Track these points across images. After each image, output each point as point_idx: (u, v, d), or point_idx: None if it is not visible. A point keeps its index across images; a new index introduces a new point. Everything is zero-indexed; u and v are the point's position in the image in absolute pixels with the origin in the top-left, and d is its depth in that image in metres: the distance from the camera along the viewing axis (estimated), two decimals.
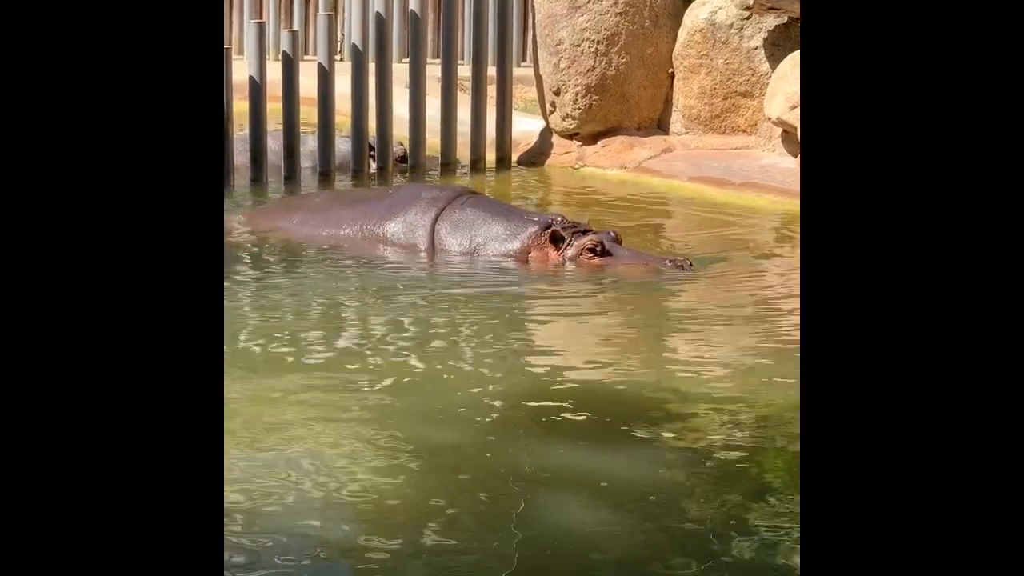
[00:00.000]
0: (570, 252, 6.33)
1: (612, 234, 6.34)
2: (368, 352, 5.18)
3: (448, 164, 10.90)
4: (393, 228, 6.88)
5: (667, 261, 6.30)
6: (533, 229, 6.40)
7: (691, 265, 6.28)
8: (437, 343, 5.40)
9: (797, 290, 6.72)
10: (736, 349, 5.37)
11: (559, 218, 6.41)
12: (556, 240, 6.30)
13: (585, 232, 6.33)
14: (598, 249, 6.37)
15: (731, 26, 10.68)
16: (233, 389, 4.31)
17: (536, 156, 11.23)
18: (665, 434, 4.30)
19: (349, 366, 5.02)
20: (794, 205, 9.37)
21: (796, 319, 5.97)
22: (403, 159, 10.79)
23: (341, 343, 5.38)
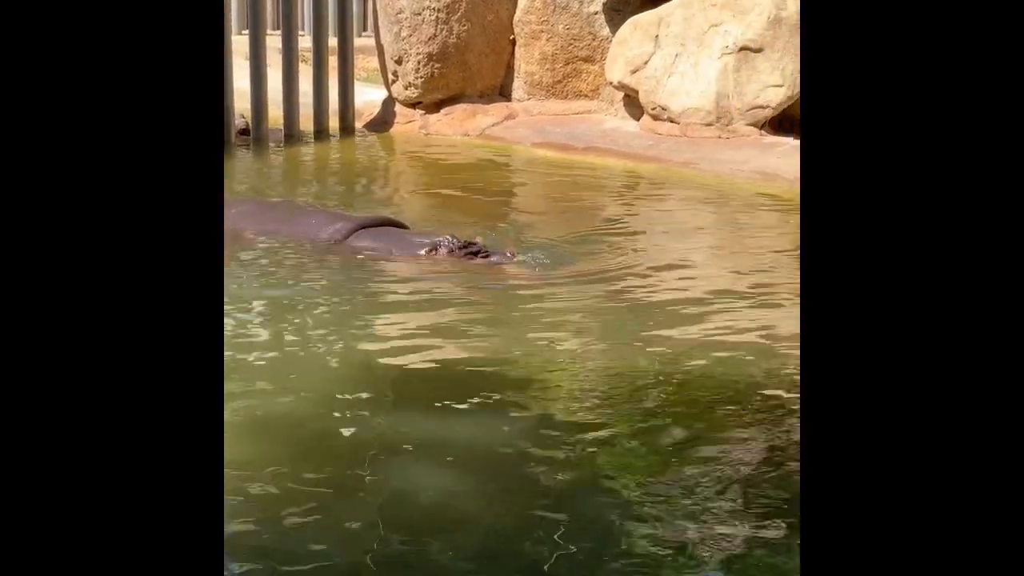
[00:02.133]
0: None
1: (509, 254, 6.27)
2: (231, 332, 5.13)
3: (291, 136, 10.81)
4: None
5: (506, 254, 6.26)
6: (421, 252, 6.30)
7: (514, 255, 6.23)
8: (296, 320, 5.38)
9: (638, 254, 6.82)
10: (589, 314, 5.42)
11: (449, 238, 6.34)
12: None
13: (477, 252, 6.26)
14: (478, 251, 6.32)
15: None
16: None
17: (380, 126, 11.19)
18: (518, 404, 4.34)
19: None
20: (636, 166, 9.50)
21: (642, 280, 6.06)
22: (245, 131, 10.68)
23: None
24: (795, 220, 7.88)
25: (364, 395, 4.40)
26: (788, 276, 6.33)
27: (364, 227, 6.62)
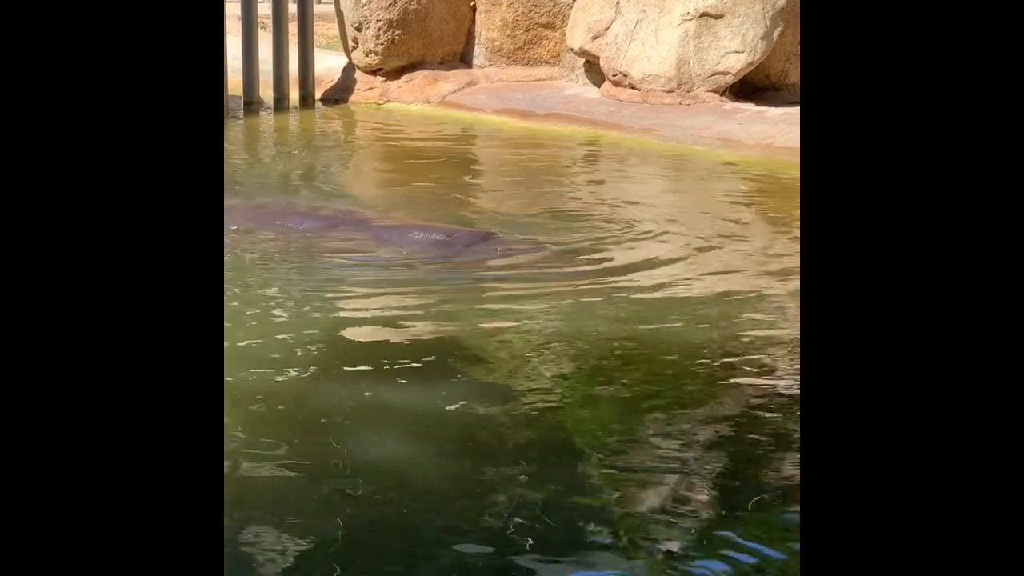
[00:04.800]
0: None
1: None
2: None
3: (251, 103, 10.74)
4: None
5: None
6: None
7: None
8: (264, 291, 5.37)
9: (595, 234, 6.83)
10: (552, 285, 5.43)
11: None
12: None
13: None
14: None
15: None
16: None
17: (340, 93, 11.14)
18: (481, 374, 4.35)
19: None
20: (597, 132, 9.49)
21: (604, 249, 6.07)
22: None
23: None
24: (754, 185, 7.91)
25: (326, 365, 4.40)
26: (749, 242, 6.36)
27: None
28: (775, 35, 9.55)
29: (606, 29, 10.04)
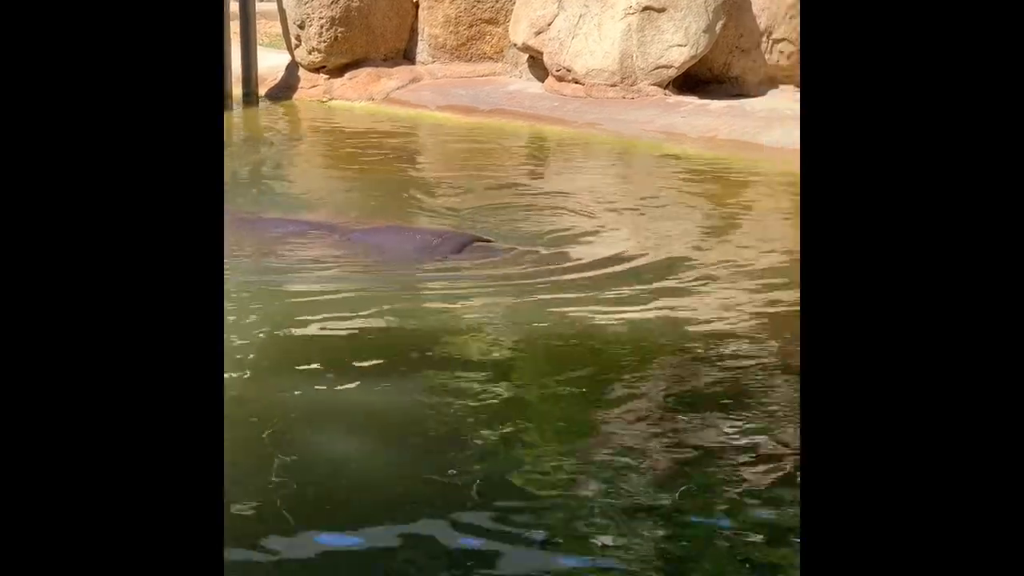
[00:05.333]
0: None
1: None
2: None
3: None
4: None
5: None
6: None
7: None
8: None
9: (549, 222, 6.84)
10: (504, 282, 5.43)
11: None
12: None
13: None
14: None
15: None
16: None
17: (283, 91, 11.11)
18: (432, 371, 4.35)
19: None
20: (541, 127, 9.50)
21: (554, 245, 6.08)
22: None
23: None
24: (698, 177, 7.95)
25: (276, 361, 4.39)
26: (693, 235, 6.39)
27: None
28: (717, 28, 9.60)
29: (549, 24, 10.07)
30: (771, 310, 5.10)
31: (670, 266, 5.71)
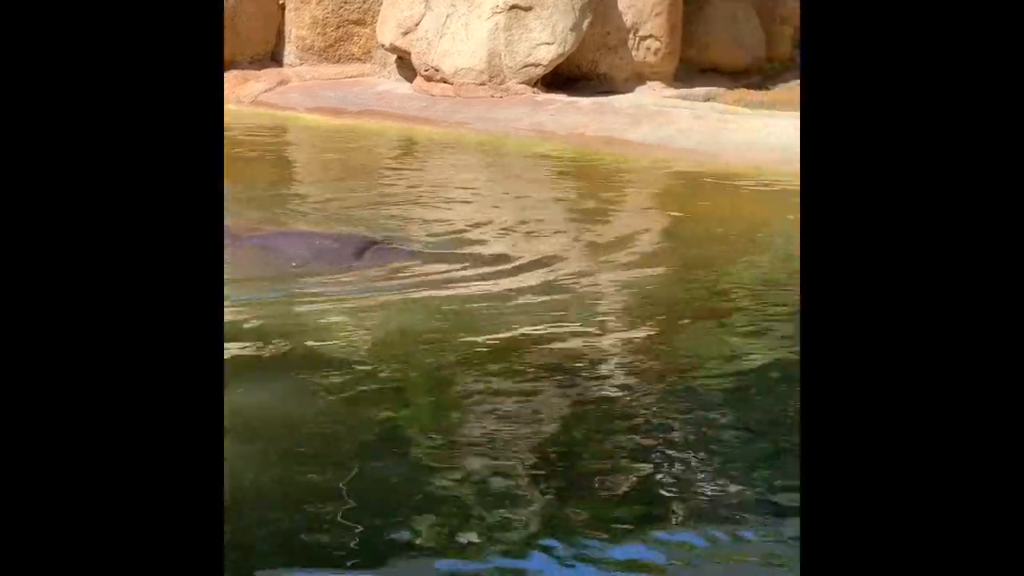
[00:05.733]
0: None
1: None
2: None
3: None
4: None
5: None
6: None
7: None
8: None
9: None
10: (374, 282, 5.42)
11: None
12: None
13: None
14: None
15: None
16: None
17: None
18: (310, 371, 4.33)
19: None
20: (411, 127, 9.48)
21: (425, 244, 6.08)
22: None
23: None
24: (568, 173, 8.01)
25: None
26: (565, 230, 6.44)
27: None
28: (584, 26, 9.67)
29: (416, 24, 10.06)
30: (643, 298, 5.17)
31: (550, 261, 5.73)
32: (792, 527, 3.01)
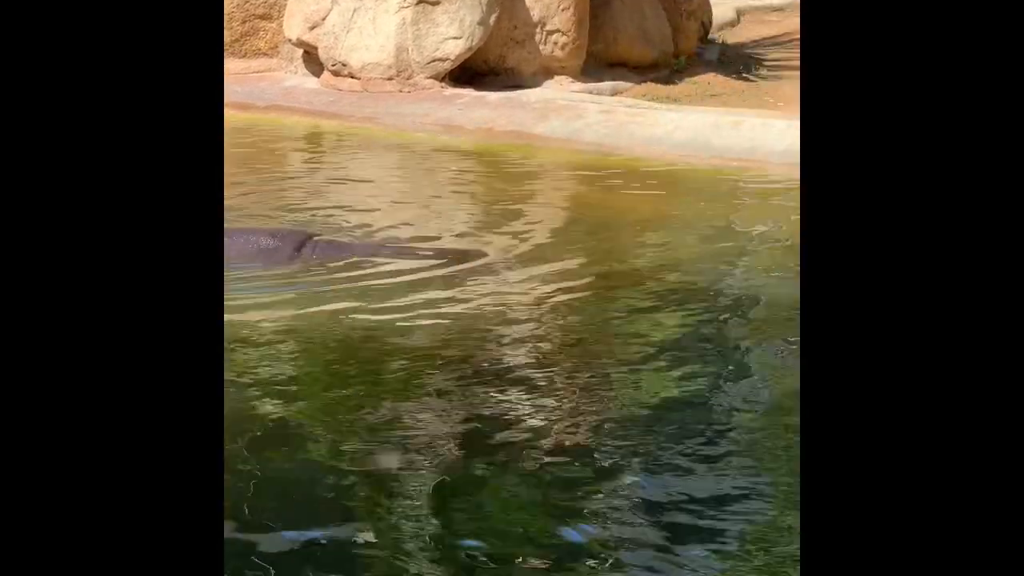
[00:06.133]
0: None
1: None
2: None
3: None
4: None
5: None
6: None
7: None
8: None
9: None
10: (278, 284, 5.39)
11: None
12: None
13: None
14: None
15: None
16: None
17: None
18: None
19: None
20: (318, 122, 9.44)
21: (330, 241, 6.06)
22: None
23: None
24: (477, 168, 8.03)
25: None
26: (476, 225, 6.45)
27: None
28: (491, 20, 9.68)
29: (323, 19, 10.01)
30: (556, 291, 5.22)
31: (464, 255, 5.74)
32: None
